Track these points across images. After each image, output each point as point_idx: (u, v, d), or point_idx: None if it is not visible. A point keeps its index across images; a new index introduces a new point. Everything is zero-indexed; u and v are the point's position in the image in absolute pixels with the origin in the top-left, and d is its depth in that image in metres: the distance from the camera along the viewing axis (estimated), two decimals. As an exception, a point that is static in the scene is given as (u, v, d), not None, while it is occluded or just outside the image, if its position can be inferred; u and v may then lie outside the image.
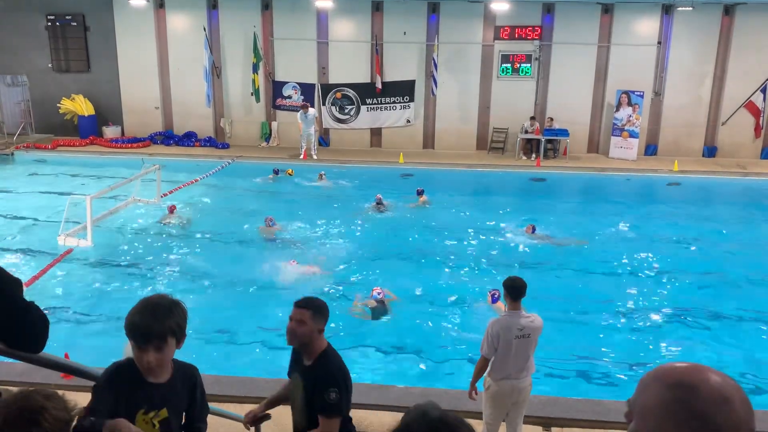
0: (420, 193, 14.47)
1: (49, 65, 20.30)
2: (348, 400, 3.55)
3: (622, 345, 8.14)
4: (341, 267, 10.63)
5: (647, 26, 18.59)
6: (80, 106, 19.81)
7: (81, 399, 2.46)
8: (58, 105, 19.83)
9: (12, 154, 18.18)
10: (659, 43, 18.59)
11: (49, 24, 19.96)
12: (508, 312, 5.07)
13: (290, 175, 16.52)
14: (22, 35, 20.06)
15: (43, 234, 11.83)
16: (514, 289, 5.04)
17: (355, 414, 5.74)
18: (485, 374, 5.17)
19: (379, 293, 8.90)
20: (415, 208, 14.04)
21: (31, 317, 2.48)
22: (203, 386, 2.88)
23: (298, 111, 18.22)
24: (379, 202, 13.77)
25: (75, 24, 19.93)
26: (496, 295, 8.61)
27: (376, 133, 19.99)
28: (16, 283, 2.52)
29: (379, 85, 19.01)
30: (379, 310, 8.79)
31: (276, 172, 16.52)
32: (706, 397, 1.30)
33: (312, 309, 3.52)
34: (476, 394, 5.21)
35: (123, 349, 3.80)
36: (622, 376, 7.37)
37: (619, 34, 18.62)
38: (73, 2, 19.69)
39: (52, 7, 19.80)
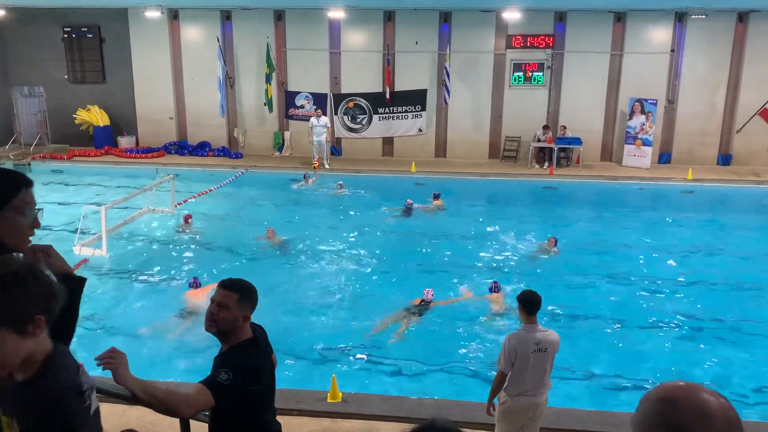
0: (436, 197, 14.76)
1: (65, 76, 20.56)
2: (235, 393, 2.95)
3: (636, 356, 8.07)
4: (354, 277, 10.66)
5: (660, 34, 18.51)
6: (95, 116, 20.03)
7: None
8: (74, 115, 20.05)
9: (29, 164, 18.38)
10: (672, 51, 18.51)
11: (66, 36, 20.23)
12: (524, 326, 5.02)
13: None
14: (39, 47, 20.37)
15: (58, 243, 11.74)
16: (530, 303, 4.99)
17: (367, 425, 5.76)
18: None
19: (428, 292, 9.20)
20: (430, 216, 14.13)
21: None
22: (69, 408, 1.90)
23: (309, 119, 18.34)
24: (408, 207, 14.14)
25: (91, 36, 20.20)
26: (491, 287, 9.42)
27: (388, 142, 20.02)
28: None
29: (387, 95, 19.04)
30: (422, 308, 8.98)
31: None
32: (684, 411, 1.34)
33: (239, 293, 3.08)
34: (494, 410, 5.16)
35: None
36: (637, 388, 7.29)
37: (632, 43, 18.56)
38: (89, 14, 19.94)
39: (68, 19, 20.07)
